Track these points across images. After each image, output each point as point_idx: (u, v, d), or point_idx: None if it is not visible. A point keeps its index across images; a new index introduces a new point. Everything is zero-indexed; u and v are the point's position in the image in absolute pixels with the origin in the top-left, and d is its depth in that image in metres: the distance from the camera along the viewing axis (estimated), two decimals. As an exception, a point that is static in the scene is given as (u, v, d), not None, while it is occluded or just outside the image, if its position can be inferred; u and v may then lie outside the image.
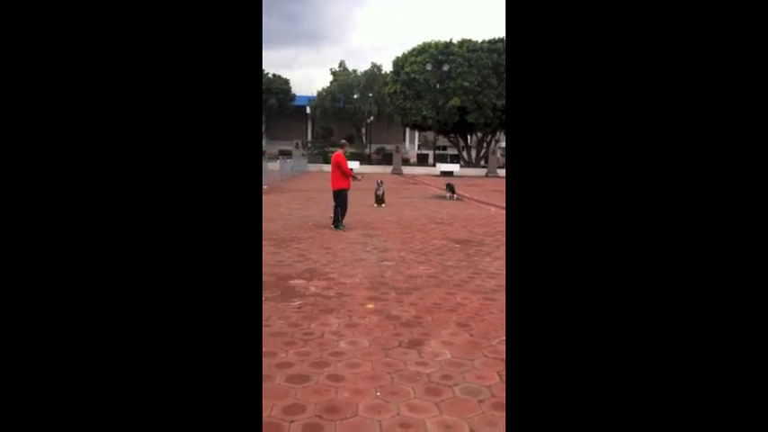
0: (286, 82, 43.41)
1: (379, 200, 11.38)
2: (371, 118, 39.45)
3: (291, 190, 15.49)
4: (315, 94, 41.91)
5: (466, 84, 28.35)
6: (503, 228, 8.63)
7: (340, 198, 7.83)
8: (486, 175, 27.97)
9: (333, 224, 7.89)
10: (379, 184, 11.64)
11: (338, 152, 8.00)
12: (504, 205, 12.28)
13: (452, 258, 5.90)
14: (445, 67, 28.43)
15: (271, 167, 18.09)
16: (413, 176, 25.80)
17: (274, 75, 42.79)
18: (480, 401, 2.40)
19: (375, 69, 39.86)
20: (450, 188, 14.20)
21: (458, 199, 13.79)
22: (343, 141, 8.59)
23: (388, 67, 35.28)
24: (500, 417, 2.25)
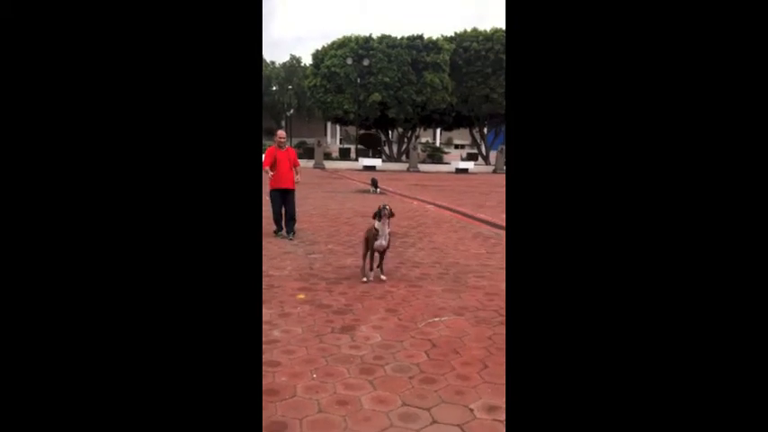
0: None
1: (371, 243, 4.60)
2: (291, 111, 38.73)
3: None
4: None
5: (386, 79, 28.81)
6: (425, 220, 9.01)
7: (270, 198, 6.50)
8: (408, 170, 28.68)
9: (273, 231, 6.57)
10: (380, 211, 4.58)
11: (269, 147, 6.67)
12: (427, 200, 12.69)
13: (378, 249, 6.09)
14: (365, 62, 28.68)
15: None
16: (335, 171, 25.80)
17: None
18: (410, 377, 2.60)
19: (294, 61, 39.18)
20: (374, 183, 14.47)
21: (381, 193, 14.09)
22: (279, 131, 7.05)
23: (307, 60, 34.88)
24: (429, 390, 2.46)
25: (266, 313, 3.54)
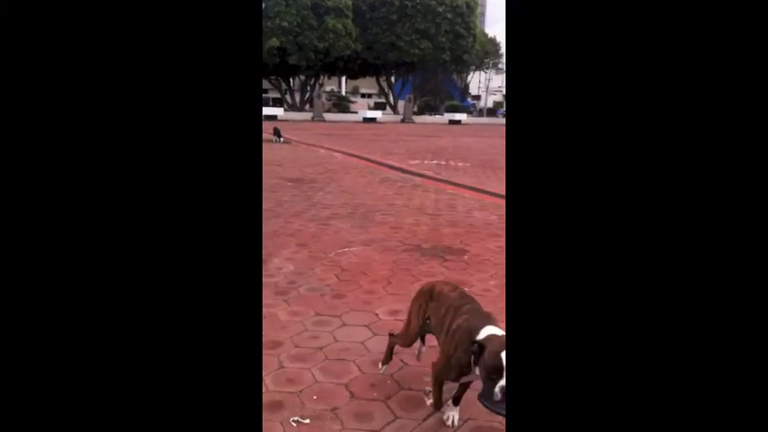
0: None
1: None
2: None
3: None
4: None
5: (285, 24, 27.50)
6: (333, 167, 9.15)
7: None
8: (312, 120, 28.15)
9: None
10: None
11: None
12: (334, 148, 12.83)
13: (287, 194, 6.20)
14: (263, 5, 26.97)
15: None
16: (236, 121, 24.50)
17: None
18: (322, 295, 2.87)
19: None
20: (277, 132, 14.17)
21: (285, 142, 13.87)
22: None
23: None
24: (339, 303, 2.75)
25: (177, 252, 3.55)
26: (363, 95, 50.88)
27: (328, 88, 42.99)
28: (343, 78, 44.29)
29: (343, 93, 46.72)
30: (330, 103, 36.47)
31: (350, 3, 28.95)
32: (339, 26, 28.41)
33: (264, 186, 6.65)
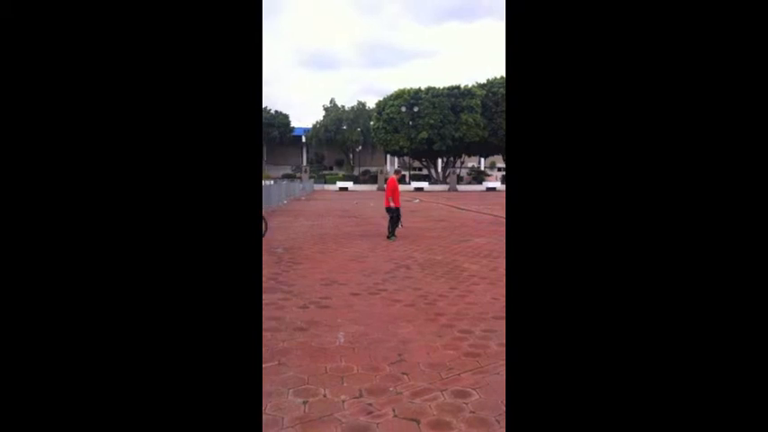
0: (286, 117, 52.46)
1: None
2: (360, 147, 48.67)
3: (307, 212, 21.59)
4: (310, 126, 50.97)
5: (431, 121, 37.74)
6: (442, 213, 17.40)
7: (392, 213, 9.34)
8: (448, 190, 37.19)
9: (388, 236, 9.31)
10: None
11: (392, 177, 9.64)
12: (450, 204, 21.69)
13: (437, 227, 14.60)
14: (415, 109, 37.89)
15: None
16: (394, 191, 34.74)
17: (276, 111, 51.84)
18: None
19: (360, 106, 49.31)
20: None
21: (421, 201, 22.67)
22: (398, 168, 11.35)
23: (370, 104, 44.94)
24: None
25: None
26: (499, 169, 58.59)
27: (470, 164, 51.69)
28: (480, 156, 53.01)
29: (482, 167, 55.06)
30: (470, 176, 45.24)
31: (479, 102, 38.12)
32: (471, 120, 37.49)
33: (420, 220, 15.17)
